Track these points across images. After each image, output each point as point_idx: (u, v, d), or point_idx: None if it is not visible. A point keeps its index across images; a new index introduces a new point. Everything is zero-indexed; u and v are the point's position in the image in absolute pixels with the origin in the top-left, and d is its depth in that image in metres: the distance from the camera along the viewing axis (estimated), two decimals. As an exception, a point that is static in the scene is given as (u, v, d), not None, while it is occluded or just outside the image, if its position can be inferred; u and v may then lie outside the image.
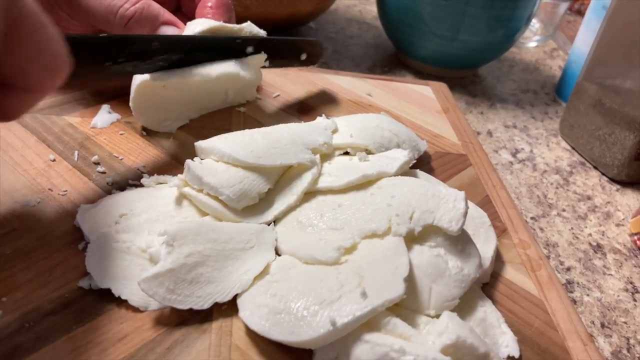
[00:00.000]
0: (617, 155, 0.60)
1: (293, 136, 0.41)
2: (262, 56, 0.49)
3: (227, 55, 0.47)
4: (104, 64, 0.39)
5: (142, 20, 0.44)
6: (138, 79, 0.43)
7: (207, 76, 0.45)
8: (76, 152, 0.41)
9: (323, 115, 0.48)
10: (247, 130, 0.41)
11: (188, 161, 0.36)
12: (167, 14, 0.46)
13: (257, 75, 0.51)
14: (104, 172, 0.40)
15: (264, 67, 0.51)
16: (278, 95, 0.56)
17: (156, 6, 0.45)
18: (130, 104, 0.43)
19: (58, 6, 0.44)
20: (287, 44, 0.53)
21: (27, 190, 0.37)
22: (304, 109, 0.55)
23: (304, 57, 0.55)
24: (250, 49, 0.48)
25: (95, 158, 0.41)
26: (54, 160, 0.40)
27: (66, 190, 0.37)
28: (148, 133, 0.45)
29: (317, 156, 0.41)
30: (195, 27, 0.45)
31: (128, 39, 0.40)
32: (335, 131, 0.45)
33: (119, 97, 0.49)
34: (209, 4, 0.48)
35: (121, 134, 0.45)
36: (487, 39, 0.74)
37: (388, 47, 0.89)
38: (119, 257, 0.32)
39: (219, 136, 0.40)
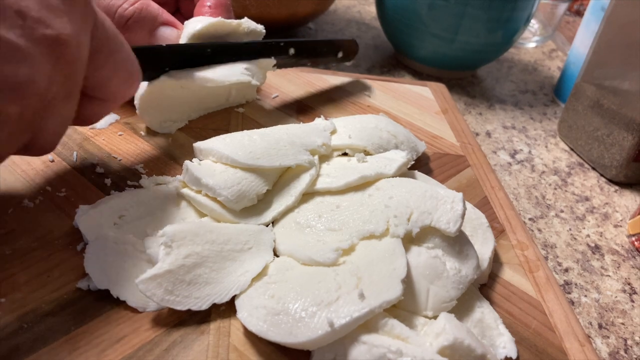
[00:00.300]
0: (615, 156, 0.60)
1: (292, 137, 0.41)
2: (271, 61, 0.50)
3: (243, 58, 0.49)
4: (163, 70, 0.43)
5: (140, 21, 0.44)
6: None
7: (222, 83, 0.46)
8: (75, 153, 0.41)
9: (322, 116, 0.48)
10: (245, 132, 0.41)
11: (187, 162, 0.36)
12: (165, 14, 0.46)
13: (263, 78, 0.51)
14: (102, 173, 0.40)
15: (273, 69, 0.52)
16: (277, 96, 0.57)
17: (155, 6, 0.45)
18: (136, 102, 0.43)
19: None
20: (324, 44, 0.58)
21: (26, 191, 0.37)
22: (303, 109, 0.55)
23: (340, 55, 0.59)
24: (292, 51, 0.52)
25: (94, 159, 0.41)
26: (52, 161, 0.40)
27: (65, 191, 0.37)
28: (147, 134, 0.45)
29: (316, 157, 0.41)
30: (195, 25, 0.45)
31: (185, 48, 0.44)
32: (333, 132, 0.45)
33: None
34: (208, 3, 0.48)
35: (120, 135, 0.45)
36: (485, 40, 0.74)
37: (387, 48, 0.89)
38: (117, 258, 0.32)
39: (217, 137, 0.40)
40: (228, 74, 0.46)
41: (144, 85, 0.43)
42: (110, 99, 0.35)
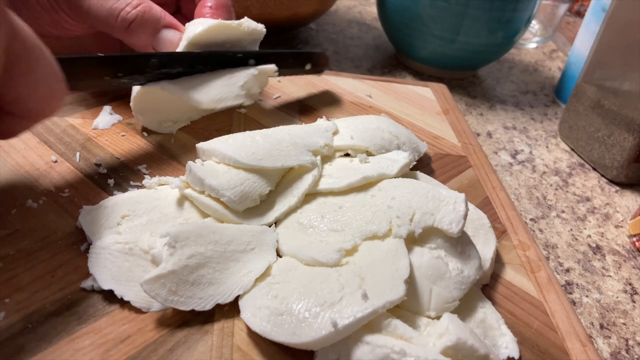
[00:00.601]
0: (616, 156, 0.60)
1: (294, 138, 0.41)
2: (272, 67, 0.50)
3: (229, 65, 0.48)
4: (103, 79, 0.40)
5: (143, 24, 0.44)
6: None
7: (213, 107, 0.47)
8: (78, 154, 0.41)
9: (324, 117, 0.48)
10: (248, 132, 0.41)
11: (190, 163, 0.36)
12: (168, 17, 0.46)
13: (263, 82, 0.51)
14: (105, 174, 0.40)
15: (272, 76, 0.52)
16: (279, 97, 0.57)
17: (157, 9, 0.45)
18: (131, 104, 0.43)
19: (60, 9, 0.44)
20: (290, 56, 0.55)
21: (29, 191, 0.37)
22: (305, 110, 0.55)
23: (308, 67, 0.56)
24: (252, 62, 0.50)
25: (96, 159, 0.41)
26: (55, 162, 0.40)
27: (68, 192, 0.38)
28: (149, 134, 0.46)
29: (318, 158, 0.41)
30: (195, 28, 0.45)
31: (124, 58, 0.41)
32: (335, 133, 0.45)
33: (120, 98, 0.49)
34: (209, 4, 0.48)
35: (122, 135, 0.45)
36: (486, 41, 0.75)
37: (388, 49, 0.89)
38: (121, 258, 0.32)
39: (220, 138, 0.40)
40: (222, 98, 0.47)
41: (134, 88, 0.43)
42: (30, 116, 0.32)
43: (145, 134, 0.46)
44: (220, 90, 0.47)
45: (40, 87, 0.30)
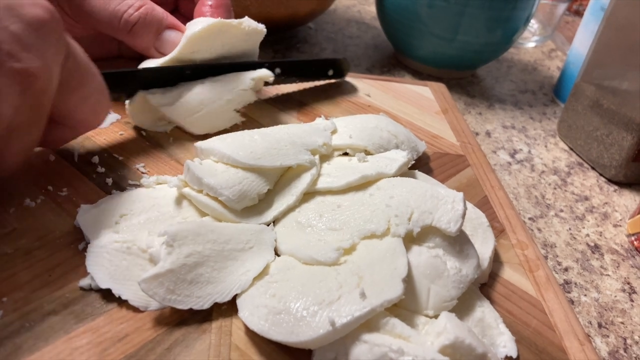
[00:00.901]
0: (614, 156, 0.60)
1: (292, 137, 0.41)
2: (268, 73, 0.50)
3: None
4: (136, 92, 0.44)
5: (146, 25, 0.44)
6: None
7: (209, 130, 0.48)
8: (76, 152, 0.41)
9: (322, 116, 0.48)
10: (246, 131, 0.41)
11: (188, 162, 0.36)
12: (170, 18, 0.46)
13: (259, 87, 0.51)
14: (103, 172, 0.40)
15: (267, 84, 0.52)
16: (277, 96, 0.57)
17: (160, 10, 0.45)
18: (127, 106, 0.44)
19: (61, 10, 0.44)
20: (314, 64, 0.58)
21: (27, 190, 0.37)
22: (303, 109, 0.55)
23: (330, 72, 0.60)
24: (278, 71, 0.52)
25: (95, 158, 0.41)
26: (53, 160, 0.40)
27: (66, 190, 0.38)
28: (147, 133, 0.46)
29: (317, 157, 0.41)
30: (195, 27, 0.45)
31: (158, 71, 0.44)
32: (334, 132, 0.45)
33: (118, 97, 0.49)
34: (209, 3, 0.48)
35: (121, 134, 0.45)
36: (485, 40, 0.75)
37: (387, 48, 0.89)
38: (119, 257, 0.32)
39: (218, 137, 0.40)
40: (216, 125, 0.48)
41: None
42: (77, 127, 0.36)
43: (143, 132, 0.45)
44: (214, 113, 0.47)
45: (89, 101, 0.34)
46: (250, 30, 0.48)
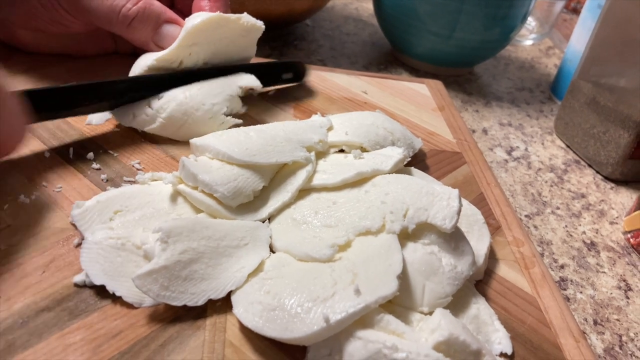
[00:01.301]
0: (611, 153, 0.60)
1: (288, 134, 0.41)
2: (258, 84, 0.49)
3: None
4: (71, 109, 0.41)
5: (144, 20, 0.44)
6: None
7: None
8: (71, 149, 0.41)
9: (318, 113, 0.48)
10: (242, 128, 0.41)
11: (183, 158, 0.36)
12: (168, 12, 0.46)
13: (250, 49, 0.51)
14: (98, 169, 0.40)
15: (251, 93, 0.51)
16: (273, 93, 0.57)
17: (158, 4, 0.45)
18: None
19: (59, 6, 0.44)
20: (270, 67, 0.55)
21: (22, 186, 0.37)
22: (299, 106, 0.55)
23: (287, 76, 0.57)
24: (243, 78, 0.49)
25: (90, 155, 0.41)
26: (48, 157, 0.40)
27: (61, 187, 0.37)
28: (143, 130, 0.45)
29: (312, 154, 0.41)
30: (194, 20, 0.45)
31: (93, 86, 0.41)
32: (330, 129, 0.45)
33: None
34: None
35: (116, 131, 0.44)
36: (483, 37, 0.74)
37: (384, 45, 0.89)
38: (113, 253, 0.32)
39: (213, 133, 0.40)
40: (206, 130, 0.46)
41: None
42: None
43: (139, 129, 0.45)
44: (200, 121, 0.45)
45: (1, 126, 0.31)
46: (248, 26, 0.48)
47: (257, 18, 0.49)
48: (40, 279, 0.31)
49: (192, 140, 0.39)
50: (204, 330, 0.30)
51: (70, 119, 0.44)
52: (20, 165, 0.38)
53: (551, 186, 0.60)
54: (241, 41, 0.50)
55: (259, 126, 0.42)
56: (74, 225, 0.34)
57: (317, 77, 0.62)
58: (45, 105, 0.38)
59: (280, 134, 0.41)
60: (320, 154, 0.42)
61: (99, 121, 0.45)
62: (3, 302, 0.29)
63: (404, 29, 0.77)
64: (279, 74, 0.56)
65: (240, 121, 0.46)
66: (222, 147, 0.37)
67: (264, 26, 0.49)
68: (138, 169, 0.41)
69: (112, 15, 0.44)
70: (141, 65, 0.45)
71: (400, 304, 0.32)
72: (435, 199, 0.35)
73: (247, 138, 0.39)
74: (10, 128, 0.32)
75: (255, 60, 0.54)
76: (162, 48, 0.46)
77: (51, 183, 0.38)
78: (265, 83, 0.51)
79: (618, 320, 0.43)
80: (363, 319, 0.29)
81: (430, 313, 0.31)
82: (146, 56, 0.46)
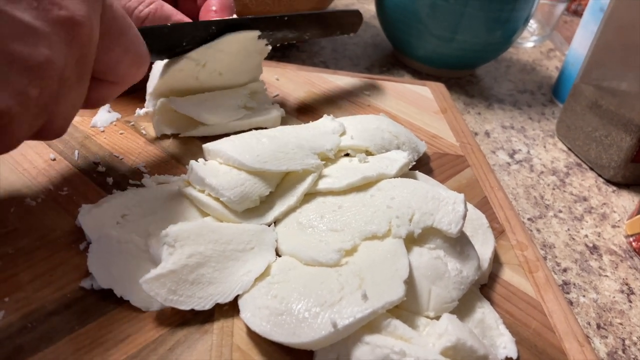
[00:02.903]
0: (613, 156, 0.60)
1: (300, 140, 0.41)
2: (261, 41, 0.50)
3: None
4: (174, 49, 0.44)
5: (155, 21, 0.45)
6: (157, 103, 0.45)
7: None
8: (76, 152, 0.41)
9: (331, 115, 0.47)
10: (254, 132, 0.41)
11: (192, 162, 0.36)
12: (179, 15, 0.47)
13: (258, 70, 0.52)
14: (104, 172, 0.40)
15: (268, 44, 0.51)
16: (277, 95, 0.57)
17: (168, 7, 0.46)
18: (152, 121, 0.45)
19: None
20: (326, 17, 0.56)
21: (28, 189, 0.37)
22: (303, 109, 0.55)
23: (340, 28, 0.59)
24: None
25: (95, 157, 0.41)
26: (54, 160, 0.40)
27: (67, 190, 0.37)
28: (148, 133, 0.45)
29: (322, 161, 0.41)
30: None
31: (190, 26, 0.44)
32: (343, 134, 0.45)
33: (118, 95, 0.49)
34: (213, 8, 0.49)
35: (121, 134, 0.45)
36: (485, 40, 0.75)
37: (386, 47, 0.89)
38: (120, 257, 0.32)
39: (226, 138, 0.40)
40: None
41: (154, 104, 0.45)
42: (120, 82, 0.35)
43: (144, 132, 0.45)
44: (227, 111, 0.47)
45: (130, 51, 0.34)
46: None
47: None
48: (48, 283, 0.31)
49: (205, 145, 0.40)
50: (211, 334, 0.30)
51: (75, 122, 0.44)
52: (26, 167, 0.39)
53: (553, 189, 0.60)
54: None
55: (271, 131, 0.42)
56: (80, 228, 0.34)
57: (320, 79, 0.62)
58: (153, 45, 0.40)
59: (292, 140, 0.41)
60: (329, 159, 0.42)
61: (104, 123, 0.45)
62: (11, 305, 0.29)
63: (406, 31, 0.77)
64: (335, 25, 0.58)
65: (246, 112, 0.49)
66: (234, 153, 0.37)
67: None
68: (144, 172, 0.41)
69: None
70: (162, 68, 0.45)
71: (406, 308, 0.32)
72: (441, 203, 0.35)
73: (259, 144, 0.39)
74: (136, 51, 0.34)
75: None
76: None
77: (57, 186, 0.38)
78: (319, 34, 0.56)
79: (621, 324, 0.43)
80: (370, 324, 0.29)
81: (437, 318, 0.32)
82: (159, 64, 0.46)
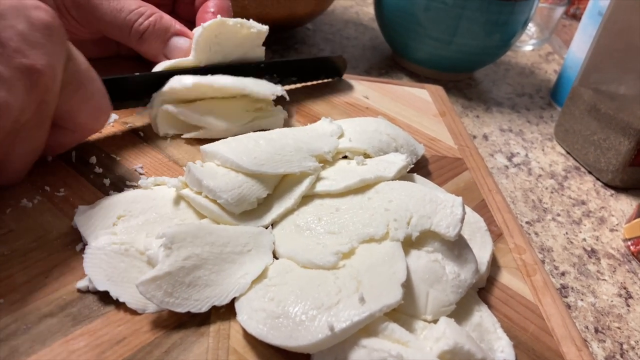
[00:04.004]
0: (611, 160, 0.60)
1: (298, 143, 0.41)
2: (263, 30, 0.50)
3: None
4: (142, 99, 0.45)
5: (154, 32, 0.47)
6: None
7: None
8: (73, 153, 0.41)
9: (329, 117, 0.47)
10: (252, 135, 0.41)
11: (189, 163, 0.36)
12: (177, 25, 0.48)
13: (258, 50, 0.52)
14: (101, 173, 0.40)
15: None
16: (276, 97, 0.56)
17: (167, 18, 0.47)
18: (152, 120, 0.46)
19: (69, 14, 0.45)
20: (312, 63, 0.59)
21: (24, 190, 0.37)
22: (301, 111, 0.55)
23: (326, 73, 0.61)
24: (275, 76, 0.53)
25: (92, 158, 0.41)
26: (51, 160, 0.40)
27: (63, 191, 0.37)
28: (145, 134, 0.45)
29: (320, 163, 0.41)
30: (198, 30, 0.46)
31: (161, 76, 0.44)
32: (341, 136, 0.45)
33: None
34: (211, 10, 0.49)
35: (118, 135, 0.44)
36: (483, 43, 0.75)
37: (385, 49, 0.89)
38: (117, 259, 0.32)
39: (224, 140, 0.40)
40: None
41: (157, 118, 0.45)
42: (79, 130, 0.37)
43: (141, 133, 0.45)
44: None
45: (90, 102, 0.35)
46: (256, 32, 0.49)
47: (259, 22, 0.50)
48: (44, 285, 0.31)
49: (202, 147, 0.39)
50: (207, 337, 0.30)
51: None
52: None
53: (551, 193, 0.60)
54: (248, 44, 0.50)
55: (269, 133, 0.42)
56: (76, 229, 0.34)
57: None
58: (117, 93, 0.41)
59: (290, 143, 0.41)
60: (327, 162, 0.42)
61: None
62: (6, 307, 0.29)
63: (404, 33, 0.77)
64: (319, 70, 0.59)
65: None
66: (231, 155, 0.37)
67: (267, 29, 0.50)
68: (141, 174, 0.41)
69: (124, 29, 0.46)
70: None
71: (403, 311, 0.32)
72: (439, 206, 0.35)
73: (256, 146, 0.39)
74: (97, 102, 0.36)
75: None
76: (169, 59, 0.48)
77: (53, 187, 0.37)
78: (304, 79, 0.57)
79: (619, 328, 0.43)
80: (367, 328, 0.29)
81: (434, 321, 0.31)
82: (161, 65, 0.47)
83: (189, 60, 0.47)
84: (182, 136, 0.46)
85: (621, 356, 0.41)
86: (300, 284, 0.31)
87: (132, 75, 0.44)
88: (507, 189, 0.59)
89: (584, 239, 0.53)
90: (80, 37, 0.48)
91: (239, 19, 0.48)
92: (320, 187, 0.39)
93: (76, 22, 0.46)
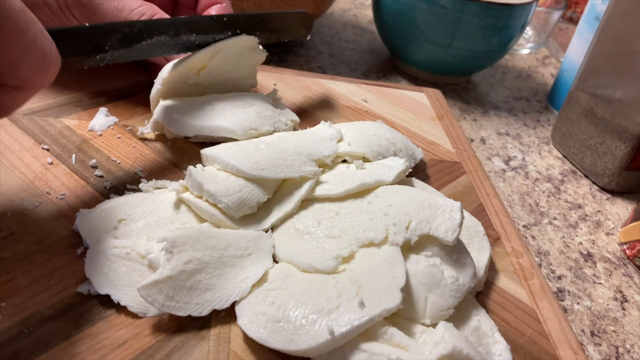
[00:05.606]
0: (607, 164, 0.61)
1: (298, 147, 0.41)
2: (262, 55, 0.50)
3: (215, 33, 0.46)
4: (89, 55, 0.38)
5: None
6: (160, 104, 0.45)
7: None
8: (74, 156, 0.41)
9: (328, 121, 0.48)
10: (253, 140, 0.41)
11: (190, 167, 0.36)
12: None
13: (252, 77, 0.52)
14: (101, 176, 0.40)
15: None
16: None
17: (164, 16, 0.46)
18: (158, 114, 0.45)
19: (70, 14, 0.45)
20: (275, 18, 0.52)
21: (25, 193, 0.37)
22: (301, 114, 0.55)
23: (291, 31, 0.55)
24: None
25: (93, 162, 0.41)
26: (51, 164, 0.40)
27: (64, 194, 0.37)
28: (145, 137, 0.45)
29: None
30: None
31: (111, 28, 0.39)
32: (340, 141, 0.45)
33: (116, 99, 0.49)
34: (212, 13, 0.49)
35: (118, 138, 0.45)
36: (481, 47, 0.75)
37: (383, 52, 0.89)
38: (118, 262, 0.32)
39: (224, 144, 0.40)
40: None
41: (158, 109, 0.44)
42: (24, 86, 0.30)
43: (141, 136, 0.45)
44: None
45: (32, 50, 0.29)
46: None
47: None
48: (45, 288, 0.31)
49: (203, 151, 0.40)
50: (208, 341, 0.30)
51: (72, 125, 0.44)
52: (23, 171, 0.38)
53: (548, 196, 0.60)
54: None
55: (269, 138, 0.42)
56: (77, 233, 0.34)
57: (317, 84, 0.62)
58: (67, 48, 0.35)
59: (290, 147, 0.41)
60: (326, 166, 0.42)
61: (101, 127, 0.45)
62: (8, 310, 0.29)
63: (403, 37, 0.77)
64: (283, 28, 0.53)
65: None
66: (232, 160, 0.37)
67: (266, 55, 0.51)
68: (141, 177, 0.41)
69: None
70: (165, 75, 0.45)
71: (402, 316, 0.32)
72: (438, 211, 0.35)
73: (257, 151, 0.39)
74: (40, 51, 0.30)
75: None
76: (168, 60, 0.47)
77: (54, 190, 0.38)
78: (267, 38, 0.51)
79: (615, 331, 0.44)
80: (367, 332, 0.29)
81: (433, 325, 0.32)
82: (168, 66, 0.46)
83: (192, 59, 0.46)
84: (189, 139, 0.46)
85: (617, 359, 0.41)
86: (300, 288, 0.31)
87: (78, 26, 0.37)
88: (504, 193, 0.59)
89: (580, 243, 0.54)
90: None
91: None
92: (320, 191, 0.39)
93: (78, 22, 0.46)
